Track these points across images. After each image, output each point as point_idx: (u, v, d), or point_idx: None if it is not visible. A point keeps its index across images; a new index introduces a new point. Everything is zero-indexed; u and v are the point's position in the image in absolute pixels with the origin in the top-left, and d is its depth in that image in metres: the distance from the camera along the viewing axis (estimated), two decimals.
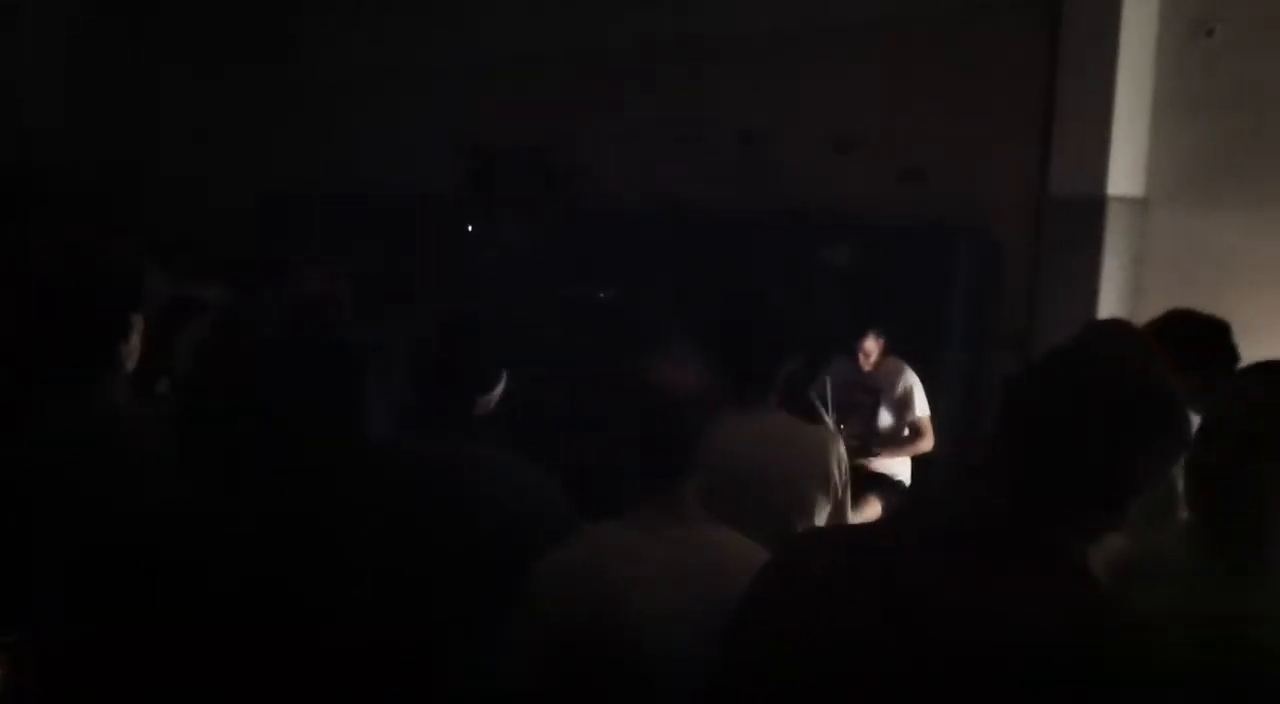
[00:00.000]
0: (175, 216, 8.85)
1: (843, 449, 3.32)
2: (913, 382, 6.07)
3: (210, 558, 2.12)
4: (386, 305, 6.27)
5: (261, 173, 10.39)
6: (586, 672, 2.27)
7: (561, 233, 8.15)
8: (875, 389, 6.09)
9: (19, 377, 2.76)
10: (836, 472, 3.23)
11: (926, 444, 6.06)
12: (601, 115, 8.41)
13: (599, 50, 8.55)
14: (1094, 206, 6.14)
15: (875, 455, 5.95)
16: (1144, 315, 3.86)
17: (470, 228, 8.72)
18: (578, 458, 2.89)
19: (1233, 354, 3.39)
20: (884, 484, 5.93)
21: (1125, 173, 6.18)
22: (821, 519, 3.19)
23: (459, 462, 2.81)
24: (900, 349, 6.21)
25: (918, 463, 6.17)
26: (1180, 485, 2.17)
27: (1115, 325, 3.42)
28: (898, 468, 6.12)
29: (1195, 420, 1.94)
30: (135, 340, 2.75)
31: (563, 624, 2.27)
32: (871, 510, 5.44)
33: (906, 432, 6.08)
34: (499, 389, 2.97)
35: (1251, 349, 3.19)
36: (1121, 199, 6.15)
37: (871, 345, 6.14)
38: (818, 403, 5.74)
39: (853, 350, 6.15)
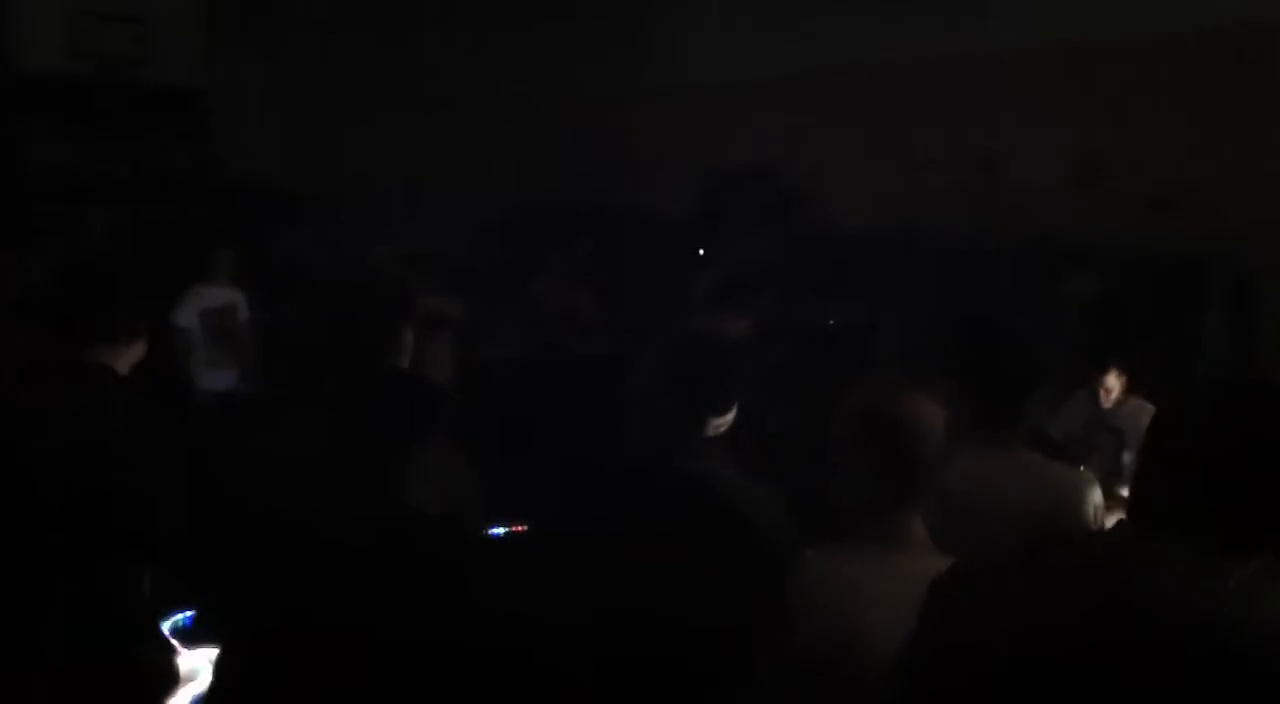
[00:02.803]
0: (419, 231, 9.18)
1: (1099, 494, 3.20)
2: None
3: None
4: (620, 322, 6.36)
5: (501, 188, 10.70)
6: (811, 695, 2.25)
7: (792, 257, 8.13)
8: (1118, 429, 5.86)
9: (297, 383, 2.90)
10: (1091, 517, 3.12)
11: None
12: (834, 138, 8.37)
13: (827, 71, 8.53)
14: None
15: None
16: None
17: (701, 251, 8.78)
18: (802, 483, 2.87)
19: None
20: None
21: None
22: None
23: (698, 480, 2.81)
24: (1144, 386, 5.94)
25: None
26: None
27: None
28: None
29: None
30: (406, 353, 2.86)
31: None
32: None
33: None
34: (732, 413, 2.96)
35: None
36: None
37: (1114, 381, 5.92)
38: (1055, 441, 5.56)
39: (1093, 386, 5.94)
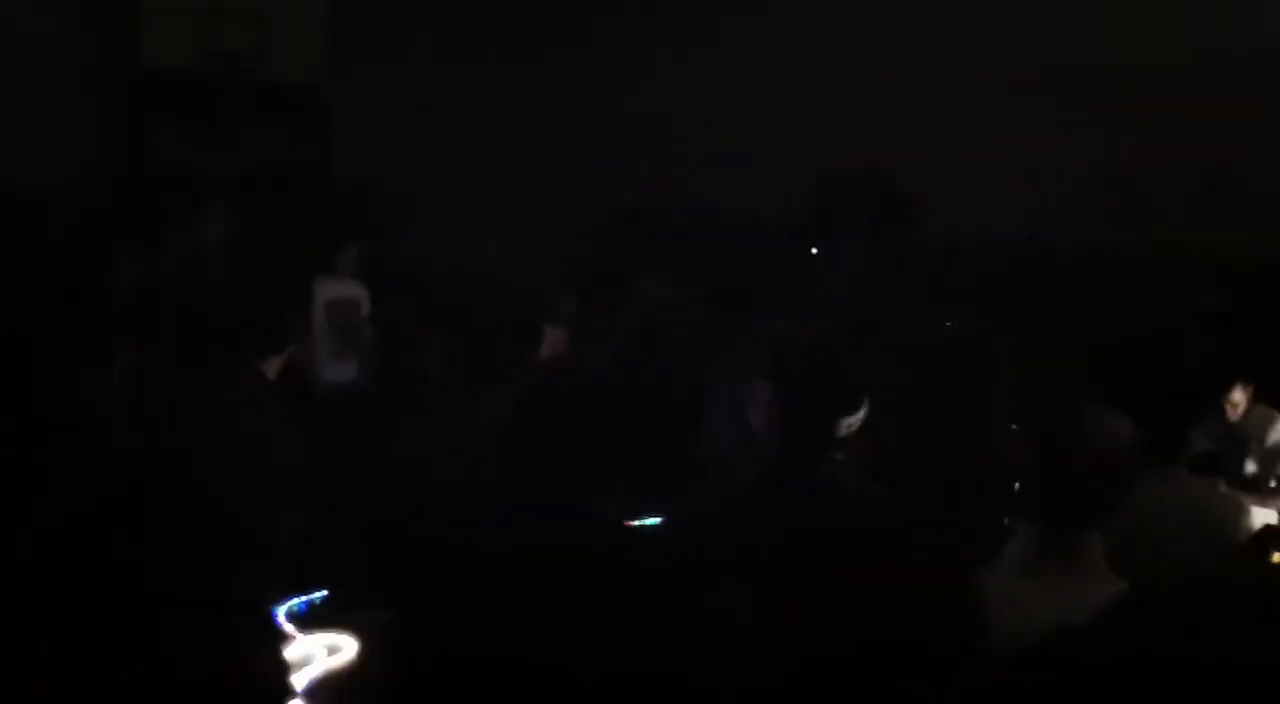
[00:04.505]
0: (527, 230, 9.23)
1: (1251, 518, 3.16)
2: None
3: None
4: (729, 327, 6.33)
5: (601, 192, 10.71)
6: None
7: (909, 267, 8.04)
8: (1243, 437, 5.72)
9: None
10: (1243, 540, 3.07)
11: None
12: (956, 147, 8.25)
13: (955, 80, 8.41)
14: None
15: None
16: None
17: (815, 250, 8.70)
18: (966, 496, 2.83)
19: None
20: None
21: None
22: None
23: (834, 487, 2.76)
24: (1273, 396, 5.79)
25: None
26: None
27: None
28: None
29: None
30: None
31: None
32: None
33: (1274, 484, 5.68)
34: (862, 413, 2.91)
35: None
36: None
37: (1239, 396, 5.79)
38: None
39: (1219, 400, 5.81)
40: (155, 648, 2.70)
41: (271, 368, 3.25)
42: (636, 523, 3.04)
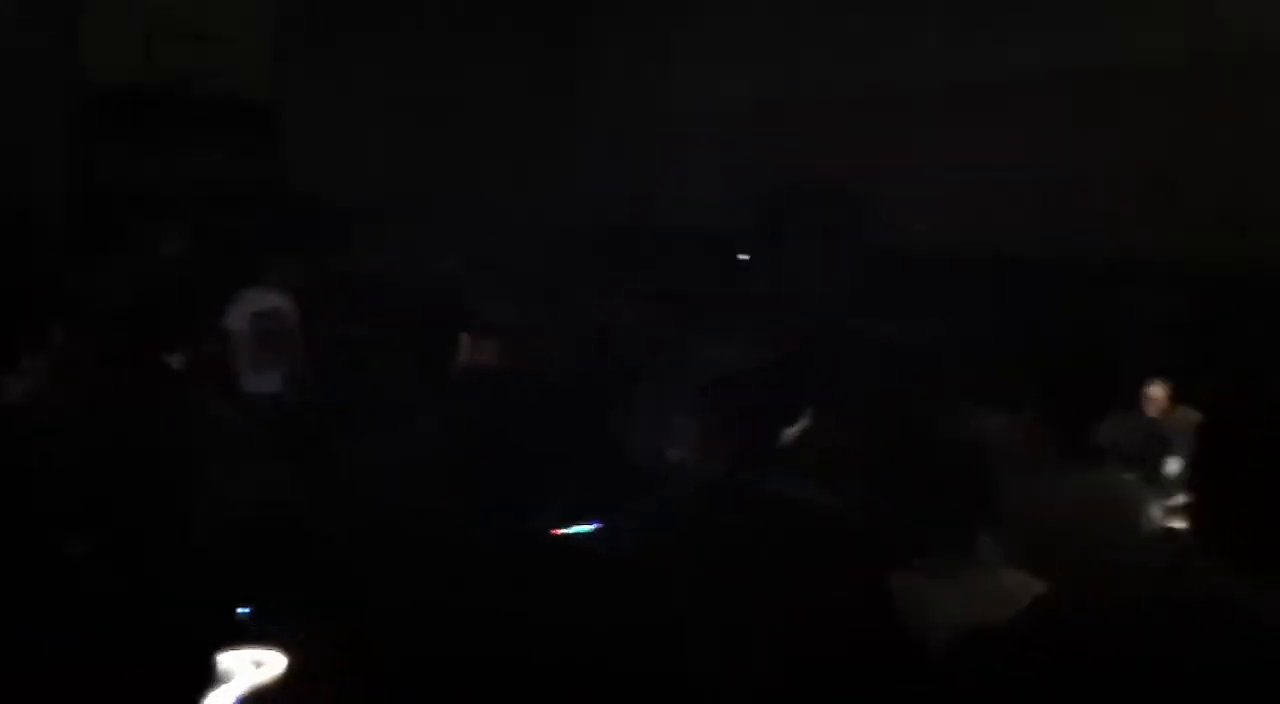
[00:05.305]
0: (483, 241, 9.21)
1: (1158, 510, 3.21)
2: None
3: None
4: (677, 337, 6.36)
5: (553, 202, 10.71)
6: None
7: (857, 272, 8.08)
8: (1164, 437, 5.83)
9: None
10: (1150, 532, 3.11)
11: None
12: (906, 154, 8.29)
13: (907, 87, 8.46)
14: None
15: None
16: None
17: (742, 256, 8.72)
18: (872, 499, 2.84)
19: None
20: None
21: None
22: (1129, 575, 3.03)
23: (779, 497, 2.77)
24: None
25: None
26: None
27: None
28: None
29: None
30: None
31: None
32: None
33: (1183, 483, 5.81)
34: (801, 424, 2.93)
35: None
36: None
37: (1156, 391, 5.91)
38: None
39: (1137, 397, 5.93)
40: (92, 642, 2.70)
41: (176, 361, 3.25)
42: (565, 531, 3.05)
